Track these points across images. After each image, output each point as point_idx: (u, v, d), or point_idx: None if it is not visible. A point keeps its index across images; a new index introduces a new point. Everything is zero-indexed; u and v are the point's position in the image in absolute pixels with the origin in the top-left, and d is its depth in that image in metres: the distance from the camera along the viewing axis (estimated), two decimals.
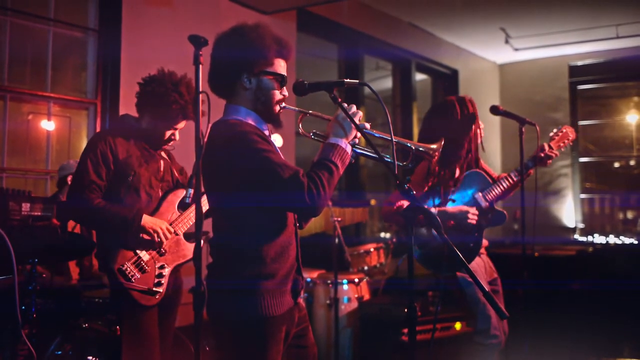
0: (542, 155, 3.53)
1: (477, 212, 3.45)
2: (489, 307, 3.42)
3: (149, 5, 5.03)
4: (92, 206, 2.88)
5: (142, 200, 3.02)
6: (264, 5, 5.88)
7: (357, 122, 2.18)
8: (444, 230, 3.48)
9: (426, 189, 3.52)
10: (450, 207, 3.47)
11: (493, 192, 3.53)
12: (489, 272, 3.63)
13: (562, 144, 3.66)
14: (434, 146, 2.35)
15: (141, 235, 2.95)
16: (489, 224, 3.57)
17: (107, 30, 4.88)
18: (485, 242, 3.67)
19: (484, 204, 3.52)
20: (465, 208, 3.45)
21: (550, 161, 3.57)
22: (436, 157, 2.34)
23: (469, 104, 3.58)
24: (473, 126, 3.55)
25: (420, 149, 2.33)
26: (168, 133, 3.11)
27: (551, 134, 3.69)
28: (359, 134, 2.22)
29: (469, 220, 3.41)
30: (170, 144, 3.19)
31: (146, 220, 2.93)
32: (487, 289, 3.32)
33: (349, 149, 2.19)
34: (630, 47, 8.92)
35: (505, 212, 3.59)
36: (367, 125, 2.23)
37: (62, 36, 4.88)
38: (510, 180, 3.53)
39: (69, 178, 4.21)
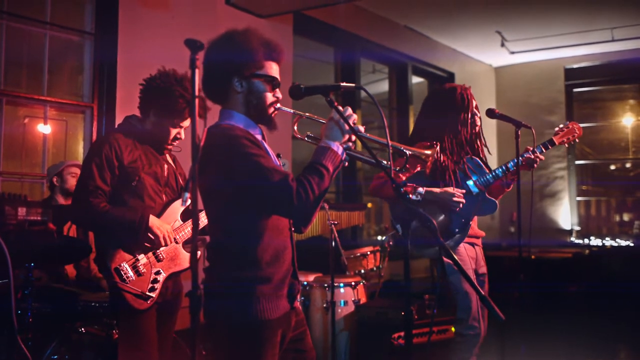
0: (526, 158, 3.51)
1: (462, 194, 3.44)
2: (471, 297, 3.43)
3: (145, 8, 5.03)
4: (98, 211, 2.86)
5: (146, 205, 3.00)
6: (261, 8, 5.89)
7: (352, 124, 2.18)
8: (431, 208, 3.50)
9: (415, 171, 3.52)
10: (437, 188, 3.46)
11: (486, 180, 3.53)
12: (480, 264, 3.62)
13: (566, 140, 3.66)
14: (428, 152, 2.35)
15: (147, 236, 2.93)
16: (479, 212, 3.57)
17: (104, 33, 4.88)
18: (481, 233, 3.66)
19: (475, 190, 3.53)
20: (451, 190, 3.44)
21: (536, 165, 3.56)
22: (430, 162, 2.34)
23: (459, 90, 3.60)
24: (463, 114, 3.56)
25: (415, 154, 2.34)
26: (174, 132, 3.09)
27: (556, 129, 3.69)
28: (353, 137, 2.22)
29: (454, 201, 3.41)
30: (176, 143, 3.17)
31: (153, 221, 2.93)
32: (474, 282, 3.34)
33: (341, 152, 2.18)
34: (626, 50, 8.97)
35: (496, 201, 3.58)
36: (362, 129, 2.22)
37: (59, 39, 4.88)
38: (505, 169, 3.53)
39: (54, 180, 4.21)
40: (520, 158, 3.47)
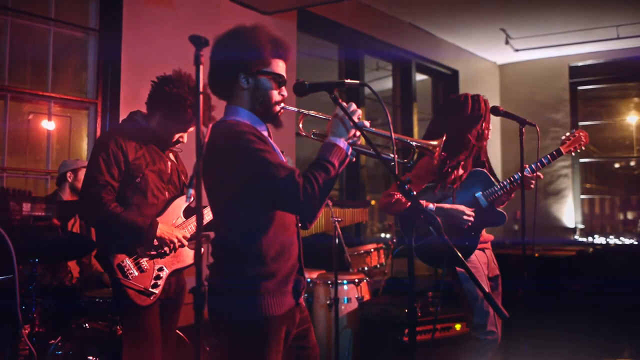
0: (525, 176, 3.50)
1: (473, 214, 3.45)
2: (487, 303, 3.42)
3: (149, 5, 5.03)
4: (110, 211, 2.85)
5: (149, 202, 3.00)
6: (265, 5, 5.89)
7: (357, 120, 2.17)
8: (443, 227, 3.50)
9: (426, 184, 3.52)
10: (447, 204, 3.47)
11: (494, 193, 3.53)
12: (491, 268, 3.62)
13: (572, 148, 3.65)
14: (434, 142, 2.34)
15: (155, 244, 2.94)
16: (488, 224, 3.57)
17: (108, 30, 4.89)
18: (490, 237, 3.67)
19: (484, 203, 3.53)
20: (462, 208, 3.45)
21: (533, 184, 3.54)
22: (437, 153, 2.34)
23: (482, 103, 3.58)
24: (478, 125, 3.55)
25: (421, 145, 2.33)
26: (177, 135, 3.09)
27: (563, 137, 3.68)
28: (358, 133, 2.21)
29: (464, 219, 3.42)
30: (178, 146, 3.18)
31: (162, 230, 2.93)
32: (486, 288, 3.34)
33: (347, 148, 2.18)
34: (631, 48, 8.93)
35: (504, 213, 3.58)
36: (367, 124, 2.21)
37: (63, 36, 4.89)
38: (512, 181, 3.53)
39: (69, 174, 4.22)
40: (519, 174, 3.47)
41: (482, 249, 3.59)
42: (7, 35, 4.52)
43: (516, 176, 3.50)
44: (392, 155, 2.16)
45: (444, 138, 2.41)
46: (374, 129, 2.24)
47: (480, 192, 3.54)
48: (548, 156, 3.57)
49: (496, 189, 3.53)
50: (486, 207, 3.53)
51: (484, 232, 3.63)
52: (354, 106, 2.20)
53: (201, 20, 5.34)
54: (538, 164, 3.54)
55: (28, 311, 3.12)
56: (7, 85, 4.50)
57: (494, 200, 3.54)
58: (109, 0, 4.90)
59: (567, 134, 3.69)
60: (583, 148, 3.68)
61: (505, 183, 3.53)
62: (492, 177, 3.59)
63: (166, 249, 2.97)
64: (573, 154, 3.69)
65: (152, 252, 2.97)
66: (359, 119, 2.18)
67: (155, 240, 2.93)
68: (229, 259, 2.21)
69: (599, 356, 5.34)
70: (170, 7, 5.17)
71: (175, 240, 2.97)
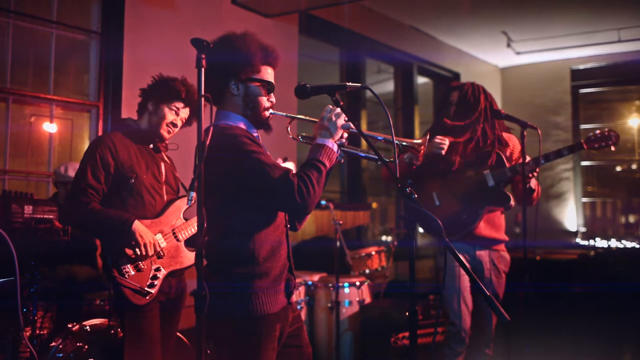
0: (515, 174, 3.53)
1: (445, 139, 3.48)
2: (452, 292, 3.46)
3: (151, 8, 5.04)
4: (86, 210, 2.88)
5: (146, 203, 3.01)
6: (266, 8, 5.90)
7: (343, 122, 2.27)
8: (446, 197, 3.53)
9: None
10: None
11: (503, 174, 3.54)
12: (486, 267, 3.59)
13: (597, 144, 3.55)
14: (418, 141, 2.43)
15: (130, 240, 2.91)
16: (492, 203, 3.57)
17: (110, 32, 4.89)
18: (504, 237, 3.64)
19: (490, 183, 3.55)
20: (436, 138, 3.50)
21: (530, 176, 3.53)
22: (422, 152, 2.40)
23: (470, 89, 3.65)
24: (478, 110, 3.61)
25: (407, 144, 2.40)
26: (170, 116, 3.09)
27: (591, 134, 3.59)
28: (345, 134, 2.30)
29: (436, 144, 3.45)
30: (169, 135, 3.16)
31: (137, 226, 2.91)
32: (465, 284, 3.37)
33: (335, 148, 2.27)
34: (632, 51, 8.93)
35: (510, 195, 3.58)
36: (351, 125, 2.30)
37: (65, 38, 4.90)
38: (519, 165, 3.53)
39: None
40: (533, 160, 3.48)
41: (488, 248, 3.57)
42: (9, 37, 4.52)
43: (531, 161, 3.47)
44: (393, 158, 2.20)
45: (427, 137, 2.47)
46: (362, 130, 2.32)
47: (489, 170, 3.56)
48: (566, 149, 3.53)
49: (505, 170, 3.54)
50: (492, 186, 3.55)
51: (499, 231, 3.61)
52: (338, 110, 2.29)
53: (203, 23, 5.35)
54: (553, 154, 3.52)
55: (29, 313, 3.12)
56: (9, 87, 4.51)
57: (501, 180, 3.56)
58: (110, 3, 4.91)
59: (597, 131, 3.58)
60: (613, 149, 3.58)
61: (516, 165, 3.53)
62: (505, 159, 3.61)
63: (141, 246, 2.92)
64: (595, 152, 3.67)
65: (130, 252, 2.93)
66: (345, 121, 2.28)
67: (130, 235, 2.89)
68: (222, 259, 2.25)
69: (600, 358, 5.33)
70: (172, 10, 5.18)
71: (148, 242, 2.94)
